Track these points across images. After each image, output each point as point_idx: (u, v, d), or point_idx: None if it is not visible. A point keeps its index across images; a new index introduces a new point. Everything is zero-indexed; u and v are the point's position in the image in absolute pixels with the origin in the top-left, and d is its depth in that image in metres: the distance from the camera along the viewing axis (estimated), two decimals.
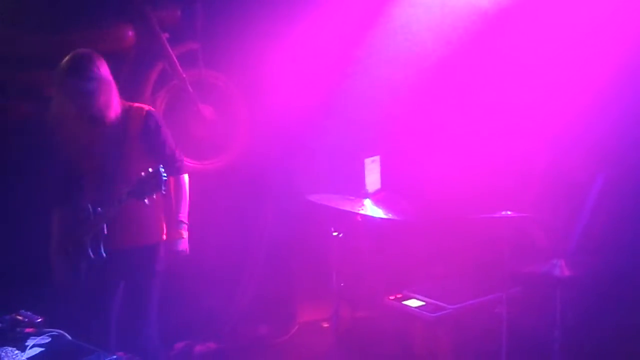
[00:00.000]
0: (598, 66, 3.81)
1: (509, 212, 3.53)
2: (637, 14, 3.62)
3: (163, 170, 3.06)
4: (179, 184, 3.48)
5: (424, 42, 4.46)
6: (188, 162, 3.92)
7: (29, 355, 2.67)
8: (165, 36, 4.38)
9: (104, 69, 3.30)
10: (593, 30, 3.82)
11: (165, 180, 3.07)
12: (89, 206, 3.28)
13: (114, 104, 3.31)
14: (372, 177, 4.26)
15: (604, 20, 3.77)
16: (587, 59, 3.86)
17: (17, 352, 2.68)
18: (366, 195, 3.95)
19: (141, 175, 3.08)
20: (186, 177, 3.53)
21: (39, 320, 2.98)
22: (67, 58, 3.30)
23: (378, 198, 4.00)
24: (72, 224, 3.36)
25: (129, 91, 3.77)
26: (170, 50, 4.39)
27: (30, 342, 2.75)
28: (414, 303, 3.92)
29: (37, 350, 2.72)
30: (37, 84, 4.09)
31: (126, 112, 3.37)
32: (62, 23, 4.18)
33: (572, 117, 3.92)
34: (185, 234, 3.47)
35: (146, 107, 3.48)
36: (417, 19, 4.47)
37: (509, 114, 4.18)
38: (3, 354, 2.66)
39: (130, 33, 4.29)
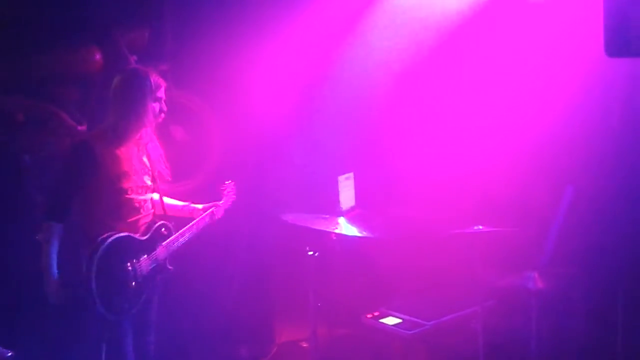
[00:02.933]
0: (565, 77, 3.87)
1: (480, 227, 3.56)
2: (598, 25, 3.68)
3: None
4: None
5: (397, 57, 4.50)
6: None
7: None
8: (133, 58, 4.34)
9: None
10: (557, 44, 3.89)
11: None
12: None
13: None
14: (346, 195, 4.26)
15: (566, 35, 3.84)
16: (553, 70, 3.93)
17: None
18: (340, 213, 3.95)
19: None
20: None
21: (9, 354, 2.92)
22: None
23: (352, 216, 4.00)
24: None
25: (97, 115, 3.74)
26: None
27: None
28: (391, 321, 3.91)
29: None
30: (3, 111, 4.02)
31: None
32: (28, 47, 4.12)
33: (540, 128, 3.98)
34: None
35: None
36: (390, 33, 4.51)
37: (479, 129, 4.23)
38: None
39: (98, 56, 4.25)
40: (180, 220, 3.58)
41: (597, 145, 3.84)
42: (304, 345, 4.61)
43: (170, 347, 4.42)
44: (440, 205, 4.21)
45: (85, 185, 3.20)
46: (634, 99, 3.77)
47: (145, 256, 3.29)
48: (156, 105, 3.35)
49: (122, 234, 3.20)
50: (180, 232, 3.46)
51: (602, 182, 3.80)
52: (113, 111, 3.31)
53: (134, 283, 3.22)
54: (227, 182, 3.81)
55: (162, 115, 3.41)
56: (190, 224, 3.52)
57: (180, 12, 4.57)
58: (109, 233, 3.17)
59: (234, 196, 3.80)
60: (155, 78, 3.36)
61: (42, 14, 4.13)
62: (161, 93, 3.38)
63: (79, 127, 4.22)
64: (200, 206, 3.67)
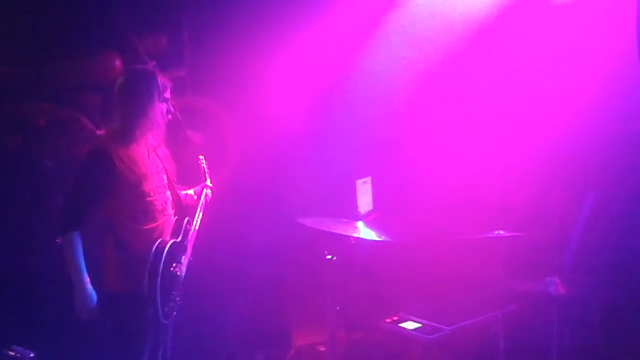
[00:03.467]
0: (586, 81, 3.84)
1: (501, 232, 3.54)
2: (622, 28, 3.65)
3: None
4: None
5: (416, 60, 4.48)
6: (178, 188, 3.91)
7: None
8: (152, 64, 4.38)
9: None
10: (578, 48, 3.86)
11: None
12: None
13: None
14: (364, 199, 4.25)
15: (588, 38, 3.81)
16: (574, 73, 3.90)
17: None
18: (359, 217, 3.94)
19: None
20: None
21: (31, 355, 2.94)
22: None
23: (371, 220, 3.99)
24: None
25: None
26: None
27: None
28: (410, 325, 3.89)
29: None
30: (24, 117, 4.06)
31: None
32: (48, 54, 4.17)
33: (562, 133, 3.95)
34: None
35: None
36: (409, 35, 4.49)
37: (500, 133, 4.20)
38: None
39: (117, 62, 4.28)
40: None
41: (618, 150, 3.81)
42: (322, 348, 4.60)
43: (187, 351, 4.44)
44: (460, 210, 4.18)
45: (106, 193, 3.13)
46: None
47: (184, 256, 3.31)
48: (163, 106, 3.28)
49: (170, 242, 3.21)
50: (194, 222, 3.46)
51: (624, 187, 3.77)
52: (121, 112, 3.21)
53: (179, 285, 3.27)
54: (200, 159, 3.81)
55: (170, 116, 3.35)
56: (197, 212, 3.52)
57: (198, 19, 4.60)
58: (159, 242, 3.15)
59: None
60: (162, 78, 3.29)
61: (62, 21, 4.17)
62: (168, 93, 3.31)
63: (99, 132, 4.27)
64: (191, 191, 3.66)
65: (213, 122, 4.69)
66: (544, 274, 3.54)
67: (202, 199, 3.62)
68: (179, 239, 3.30)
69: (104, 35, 4.31)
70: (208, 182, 3.75)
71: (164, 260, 3.14)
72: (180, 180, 4.25)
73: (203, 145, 4.60)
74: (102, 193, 3.13)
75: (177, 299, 3.27)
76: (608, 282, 3.60)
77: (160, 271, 3.11)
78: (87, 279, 3.10)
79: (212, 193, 3.73)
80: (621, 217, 3.74)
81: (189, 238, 3.39)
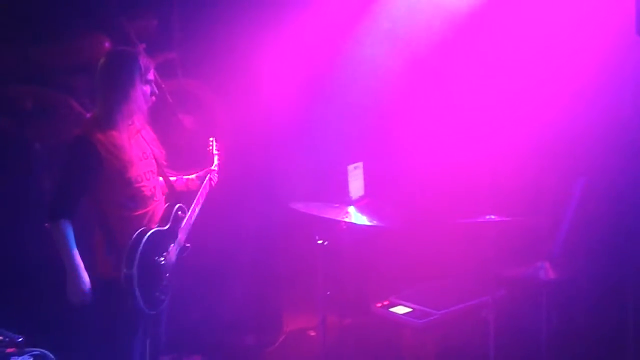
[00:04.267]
0: (578, 69, 3.85)
1: (492, 217, 3.55)
2: (613, 18, 3.65)
3: None
4: None
5: (408, 45, 4.46)
6: (169, 172, 3.88)
7: None
8: (142, 47, 4.32)
9: None
10: (571, 33, 3.85)
11: None
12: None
13: None
14: (356, 184, 4.25)
15: (581, 24, 3.80)
16: (566, 62, 3.91)
17: None
18: (350, 202, 3.94)
19: None
20: None
21: (19, 339, 2.92)
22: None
23: (362, 205, 3.99)
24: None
25: None
26: None
27: None
28: (401, 310, 3.91)
29: None
30: (11, 99, 4.01)
31: None
32: (37, 35, 4.11)
33: (552, 120, 3.96)
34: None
35: None
36: (402, 21, 4.47)
37: (490, 119, 4.21)
38: None
39: (107, 44, 4.22)
40: (189, 201, 3.45)
41: (609, 137, 3.82)
42: (312, 333, 4.62)
43: (178, 335, 4.44)
44: (451, 195, 4.19)
45: (93, 180, 3.06)
46: None
47: (172, 245, 3.22)
48: (147, 88, 3.16)
49: (151, 230, 3.11)
50: (191, 208, 3.35)
51: (614, 173, 3.78)
52: (101, 96, 3.11)
53: (167, 274, 3.18)
54: (210, 141, 3.71)
55: (153, 98, 3.24)
56: (197, 197, 3.41)
57: (188, 1, 4.54)
58: (139, 232, 3.08)
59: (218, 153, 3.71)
60: (144, 59, 3.17)
61: (51, 3, 4.11)
62: (151, 75, 3.20)
63: (88, 115, 4.22)
64: (193, 176, 3.57)
65: (204, 105, 4.65)
66: (534, 259, 3.55)
67: (204, 183, 3.49)
68: (165, 227, 3.20)
69: (94, 17, 4.24)
70: (214, 166, 3.63)
71: (143, 250, 3.05)
72: (171, 164, 4.24)
73: (194, 128, 4.57)
74: (88, 181, 3.05)
75: (165, 288, 3.19)
76: (598, 268, 3.62)
77: (137, 261, 3.02)
78: (81, 264, 3.05)
79: (218, 177, 3.62)
80: (612, 202, 3.76)
81: (182, 225, 3.29)
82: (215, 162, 3.66)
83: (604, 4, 3.71)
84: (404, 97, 4.50)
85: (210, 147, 3.70)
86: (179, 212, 3.30)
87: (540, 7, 3.97)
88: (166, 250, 3.19)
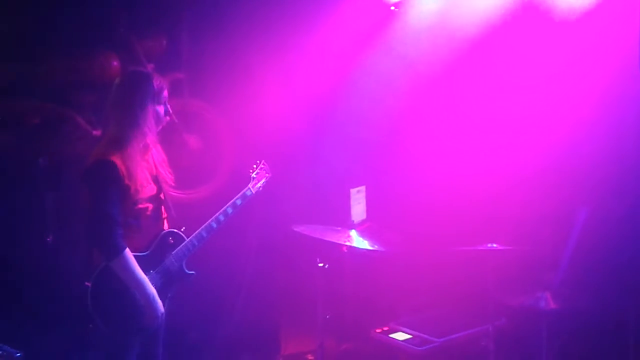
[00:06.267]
0: (581, 97, 3.87)
1: (494, 245, 3.55)
2: (619, 44, 3.69)
3: None
4: None
5: (411, 70, 4.49)
6: (173, 192, 3.89)
7: None
8: (150, 66, 4.36)
9: None
10: (574, 64, 3.89)
11: None
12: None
13: None
14: (358, 208, 4.25)
15: (585, 55, 3.84)
16: (570, 90, 3.93)
17: None
18: (352, 225, 3.94)
19: None
20: None
21: (18, 354, 2.91)
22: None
23: (364, 229, 3.99)
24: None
25: None
26: None
27: None
28: (400, 336, 3.89)
29: None
30: (19, 114, 4.04)
31: None
32: (45, 51, 4.15)
33: (555, 149, 3.97)
34: None
35: None
36: (405, 47, 4.50)
37: (493, 147, 4.22)
38: None
39: (115, 63, 4.26)
40: (186, 224, 3.45)
41: (610, 166, 3.83)
42: (310, 357, 4.59)
43: (176, 356, 4.41)
44: (453, 222, 4.19)
45: (121, 199, 3.04)
46: None
47: (152, 271, 3.17)
48: (160, 108, 3.19)
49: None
50: (196, 232, 3.33)
51: (616, 203, 3.79)
52: (115, 117, 3.13)
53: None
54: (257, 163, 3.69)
55: (167, 118, 3.26)
56: (207, 223, 3.38)
57: (197, 22, 4.59)
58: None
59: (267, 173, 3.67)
60: (158, 79, 3.19)
61: (60, 20, 4.15)
62: (166, 94, 3.22)
63: (94, 132, 4.25)
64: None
65: (210, 125, 4.68)
66: (535, 289, 3.54)
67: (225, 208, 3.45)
68: (146, 252, 3.16)
69: (103, 35, 4.29)
70: (249, 191, 3.58)
71: (98, 277, 3.03)
72: (175, 184, 4.24)
73: (199, 148, 4.59)
74: (119, 200, 3.04)
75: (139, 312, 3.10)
76: (599, 298, 3.61)
77: (91, 288, 3.02)
78: (154, 290, 3.08)
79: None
80: (613, 233, 3.75)
81: (174, 252, 3.25)
82: (251, 188, 3.60)
83: (608, 37, 3.75)
84: (408, 123, 4.52)
85: (253, 171, 3.69)
86: (169, 238, 3.26)
87: (545, 36, 4.00)
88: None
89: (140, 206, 3.14)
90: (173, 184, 3.39)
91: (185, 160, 4.52)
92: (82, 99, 4.34)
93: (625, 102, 3.79)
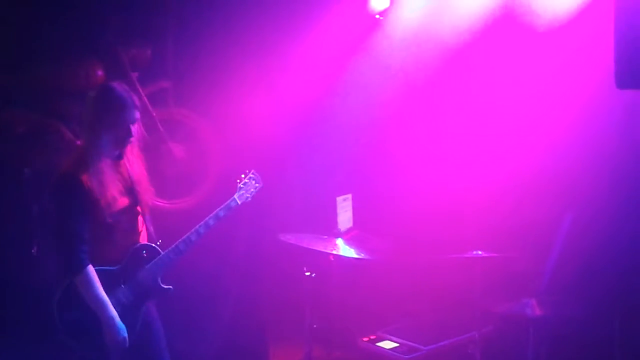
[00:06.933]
0: (566, 105, 3.91)
1: (480, 252, 3.56)
2: (600, 52, 3.73)
3: None
4: None
5: (397, 78, 4.52)
6: (158, 201, 3.86)
7: None
8: (135, 75, 4.36)
9: None
10: (559, 74, 3.93)
11: None
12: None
13: None
14: (345, 216, 4.25)
15: (570, 65, 3.88)
16: (554, 97, 3.97)
17: None
18: (338, 234, 3.94)
19: None
20: None
21: None
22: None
23: (350, 237, 3.99)
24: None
25: None
26: (140, 89, 4.36)
27: None
28: (388, 344, 3.89)
29: None
30: (3, 123, 4.02)
31: None
32: (31, 61, 4.13)
33: (539, 157, 4.01)
34: None
35: None
36: (391, 54, 4.53)
37: (478, 155, 4.25)
38: None
39: (100, 72, 4.26)
40: (172, 234, 3.38)
41: (596, 173, 3.86)
42: None
43: None
44: (439, 229, 4.20)
45: (88, 215, 3.01)
46: (633, 129, 3.80)
47: (123, 286, 3.14)
48: (130, 123, 3.11)
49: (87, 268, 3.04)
50: (173, 246, 3.27)
51: (601, 210, 3.82)
52: (85, 131, 3.13)
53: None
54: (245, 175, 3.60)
55: (140, 131, 3.21)
56: (187, 235, 3.32)
57: (182, 30, 4.60)
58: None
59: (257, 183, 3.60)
60: (132, 97, 3.15)
61: (45, 29, 4.14)
62: (138, 107, 3.16)
63: (78, 142, 4.23)
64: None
65: (195, 134, 4.67)
66: (521, 295, 3.56)
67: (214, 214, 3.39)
68: (117, 266, 3.13)
69: (88, 44, 4.28)
70: (233, 202, 3.50)
71: (64, 293, 3.03)
72: (159, 193, 4.22)
73: (184, 158, 4.58)
74: (86, 217, 3.01)
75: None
76: (584, 304, 3.63)
77: (57, 302, 3.03)
78: (114, 312, 3.04)
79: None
80: (598, 239, 3.78)
81: (147, 267, 3.19)
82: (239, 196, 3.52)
83: (591, 45, 3.78)
84: (394, 131, 4.54)
85: (240, 181, 3.60)
86: (143, 252, 3.21)
87: (529, 44, 4.05)
88: (109, 290, 3.08)
89: (113, 220, 3.10)
90: (153, 195, 3.35)
91: (171, 169, 4.52)
92: (67, 109, 4.33)
93: (607, 110, 3.82)
